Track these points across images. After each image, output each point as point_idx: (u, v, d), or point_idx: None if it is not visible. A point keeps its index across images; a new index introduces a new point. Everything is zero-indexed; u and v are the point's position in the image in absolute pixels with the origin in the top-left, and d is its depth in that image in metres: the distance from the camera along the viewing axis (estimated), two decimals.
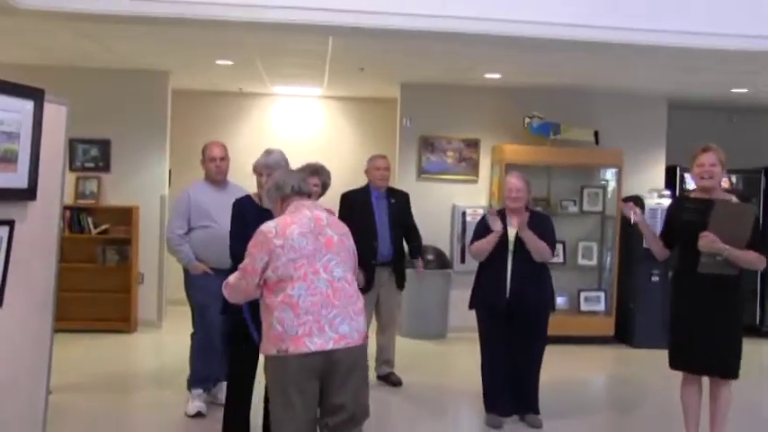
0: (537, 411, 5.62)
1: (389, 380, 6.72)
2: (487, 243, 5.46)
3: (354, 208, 6.48)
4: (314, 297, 3.52)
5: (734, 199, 4.79)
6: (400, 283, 6.70)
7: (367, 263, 6.28)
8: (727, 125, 9.95)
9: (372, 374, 6.66)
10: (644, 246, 8.29)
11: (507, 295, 5.43)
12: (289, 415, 3.54)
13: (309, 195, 3.92)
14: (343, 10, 5.42)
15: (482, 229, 5.60)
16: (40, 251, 3.66)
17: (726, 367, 4.71)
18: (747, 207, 4.74)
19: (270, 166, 4.75)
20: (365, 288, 6.34)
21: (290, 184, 3.83)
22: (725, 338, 4.68)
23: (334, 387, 3.59)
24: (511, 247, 5.47)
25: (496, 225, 5.40)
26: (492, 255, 5.49)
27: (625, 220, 8.61)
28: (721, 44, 5.81)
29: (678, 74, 7.68)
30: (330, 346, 3.50)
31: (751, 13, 5.78)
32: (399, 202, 6.71)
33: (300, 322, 3.47)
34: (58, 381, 5.67)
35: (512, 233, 5.48)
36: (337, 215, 6.12)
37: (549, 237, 5.53)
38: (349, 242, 3.84)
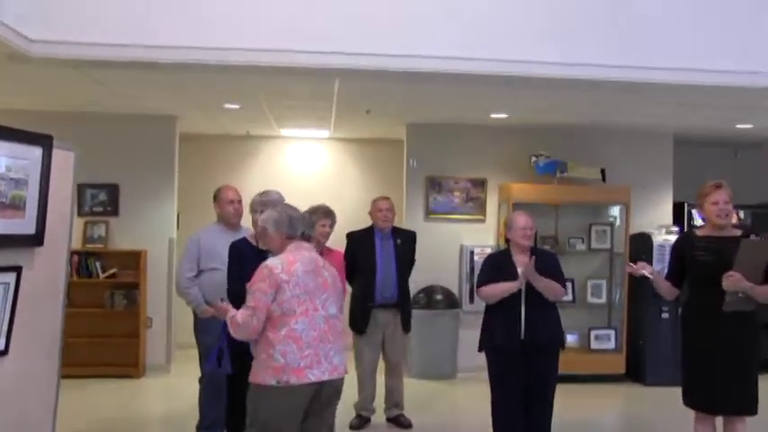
0: None
1: (399, 422, 6.66)
2: (503, 290, 5.29)
3: (357, 248, 6.53)
4: (314, 332, 3.84)
5: (753, 236, 4.79)
6: (406, 326, 6.63)
7: (363, 305, 6.37)
8: (733, 160, 9.98)
9: (382, 417, 6.64)
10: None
11: (522, 337, 5.28)
12: None
13: (309, 240, 4.12)
14: (348, 53, 5.47)
15: (490, 270, 5.48)
16: (46, 297, 3.66)
17: (743, 404, 4.67)
18: (767, 244, 4.76)
19: (268, 204, 4.82)
20: (361, 330, 6.34)
21: (302, 229, 4.05)
22: (742, 375, 4.64)
23: (312, 413, 3.90)
24: (523, 288, 5.31)
25: (522, 278, 5.25)
26: (504, 297, 5.34)
27: (633, 256, 8.59)
28: (725, 81, 5.85)
29: (683, 110, 7.70)
30: (326, 377, 3.86)
31: (754, 49, 5.83)
32: (406, 242, 6.70)
33: (303, 355, 3.78)
34: (64, 427, 5.64)
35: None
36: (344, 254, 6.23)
37: (558, 275, 5.44)
38: (338, 283, 4.17)
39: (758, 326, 4.75)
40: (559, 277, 5.44)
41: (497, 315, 5.39)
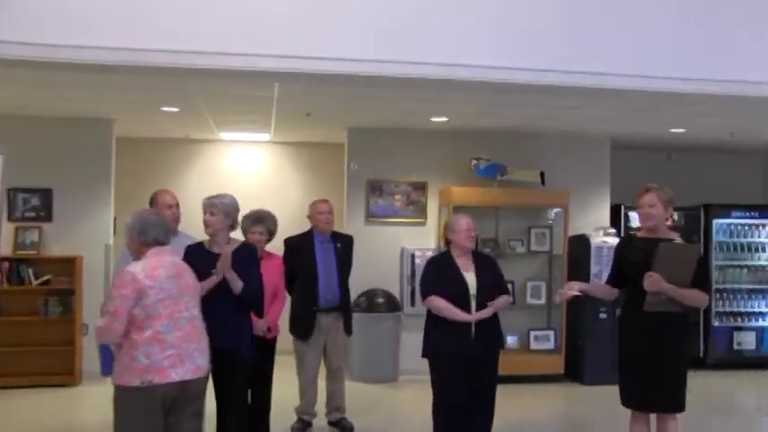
0: None
1: (341, 425, 6.64)
2: (453, 316, 5.25)
3: (297, 254, 6.44)
4: (178, 333, 3.95)
5: (678, 239, 4.89)
6: (348, 329, 6.61)
7: (308, 309, 6.33)
8: (667, 164, 10.20)
9: (323, 420, 6.61)
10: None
11: (472, 340, 5.29)
12: None
13: (164, 244, 4.16)
14: (287, 56, 5.44)
15: (433, 274, 5.47)
16: None
17: (671, 403, 4.79)
18: (692, 248, 4.87)
19: (215, 205, 4.76)
20: (305, 335, 6.31)
21: (153, 235, 4.09)
22: (670, 375, 4.76)
23: (175, 411, 3.98)
24: (473, 291, 5.33)
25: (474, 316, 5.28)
26: (454, 302, 5.30)
27: (571, 258, 8.74)
28: (662, 87, 5.99)
29: (622, 115, 7.86)
30: (189, 376, 3.96)
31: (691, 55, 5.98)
32: (345, 246, 6.66)
33: (166, 355, 3.88)
34: None
35: (470, 278, 5.37)
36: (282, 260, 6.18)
37: (501, 280, 5.54)
38: (198, 284, 4.28)
39: (687, 326, 4.86)
40: (503, 282, 5.57)
41: (446, 320, 5.32)
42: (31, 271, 8.25)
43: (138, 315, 3.84)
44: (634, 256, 4.81)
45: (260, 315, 5.60)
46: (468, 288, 5.32)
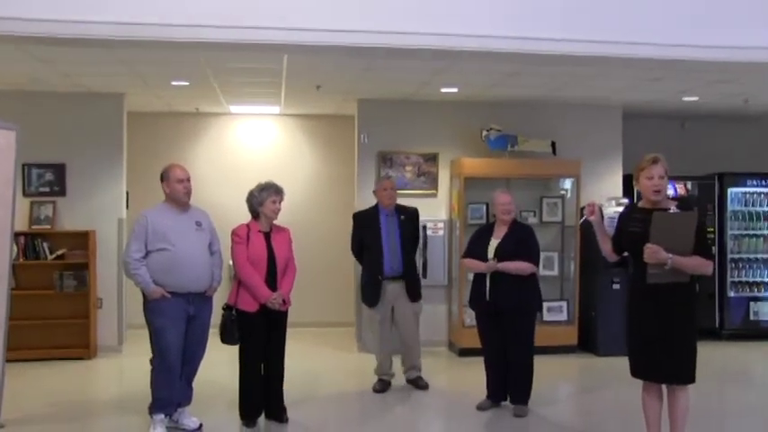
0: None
1: (416, 383, 7.07)
2: (473, 267, 6.30)
3: (363, 227, 7.03)
4: None
5: (672, 209, 4.73)
6: (412, 295, 6.97)
7: (374, 278, 6.84)
8: (680, 132, 10.12)
9: (401, 378, 7.14)
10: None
11: (487, 299, 6.13)
12: None
13: None
14: (295, 28, 5.40)
15: (471, 242, 6.48)
16: None
17: (680, 374, 4.74)
18: (688, 215, 4.67)
19: None
20: (373, 302, 6.86)
21: None
22: (678, 346, 4.69)
23: None
24: (491, 255, 6.14)
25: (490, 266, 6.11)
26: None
27: (585, 229, 8.70)
28: (674, 55, 5.91)
29: (633, 83, 7.79)
30: None
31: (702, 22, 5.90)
32: (409, 219, 7.06)
33: None
34: (17, 412, 5.56)
35: (494, 243, 6.18)
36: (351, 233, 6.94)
37: (529, 249, 6.18)
38: None
39: (692, 296, 4.77)
40: (531, 251, 6.21)
41: (474, 278, 6.37)
42: (45, 245, 8.30)
43: None
44: (633, 226, 4.74)
45: None
46: (486, 251, 6.16)
